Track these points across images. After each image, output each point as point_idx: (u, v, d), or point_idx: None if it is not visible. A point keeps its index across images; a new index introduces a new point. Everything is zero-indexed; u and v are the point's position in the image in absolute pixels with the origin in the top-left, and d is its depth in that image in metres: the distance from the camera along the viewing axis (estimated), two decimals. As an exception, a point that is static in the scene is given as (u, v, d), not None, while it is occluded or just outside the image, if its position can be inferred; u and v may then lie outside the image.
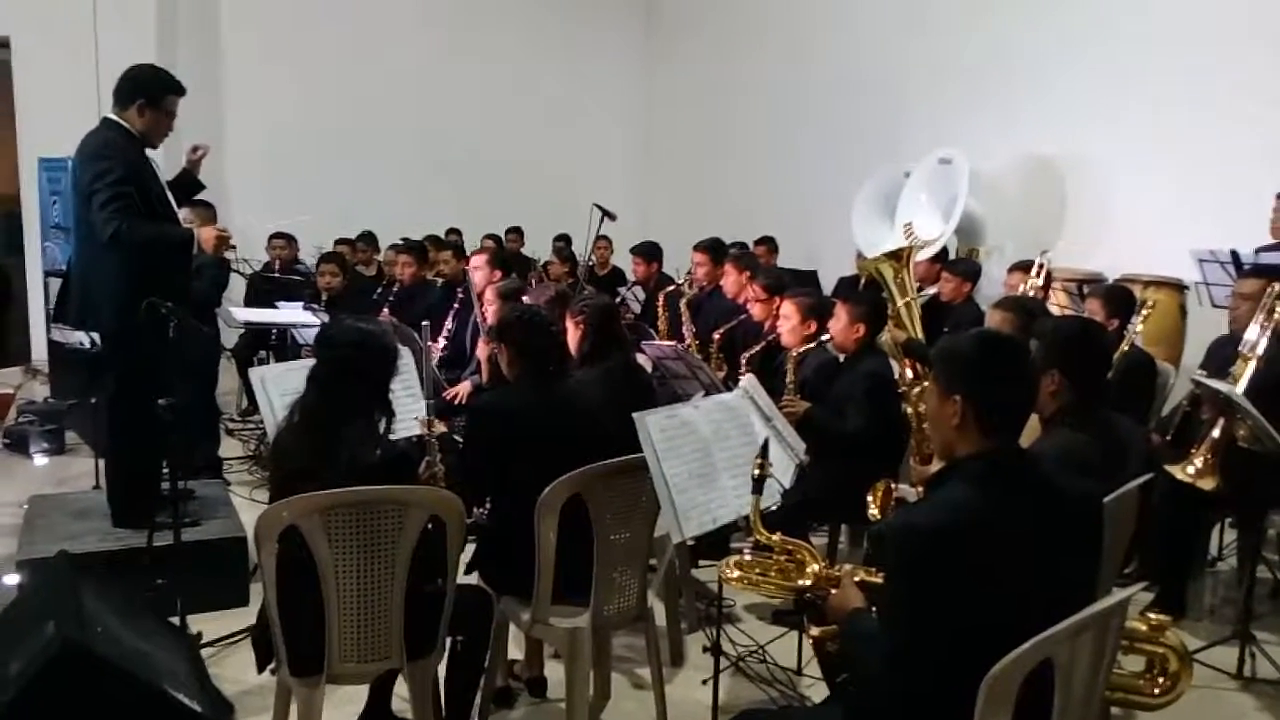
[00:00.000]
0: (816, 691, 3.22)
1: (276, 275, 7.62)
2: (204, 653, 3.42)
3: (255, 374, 3.50)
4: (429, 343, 3.56)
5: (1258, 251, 4.69)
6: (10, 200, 9.36)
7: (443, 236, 8.48)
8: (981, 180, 6.79)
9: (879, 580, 2.10)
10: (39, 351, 8.62)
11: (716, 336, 5.11)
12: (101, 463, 4.74)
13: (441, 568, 2.61)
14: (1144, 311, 4.38)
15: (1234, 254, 4.64)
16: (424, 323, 3.68)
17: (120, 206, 3.68)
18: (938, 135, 7.12)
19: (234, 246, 4.76)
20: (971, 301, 5.85)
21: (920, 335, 3.88)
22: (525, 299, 4.70)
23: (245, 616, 3.47)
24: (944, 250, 6.54)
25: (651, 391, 4.06)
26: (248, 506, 4.68)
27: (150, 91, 3.85)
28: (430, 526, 2.57)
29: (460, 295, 5.72)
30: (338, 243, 8.41)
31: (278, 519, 2.44)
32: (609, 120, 11.52)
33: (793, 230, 8.05)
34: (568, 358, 3.49)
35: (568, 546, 2.78)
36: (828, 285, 7.06)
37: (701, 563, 4.18)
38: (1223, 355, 4.09)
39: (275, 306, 6.16)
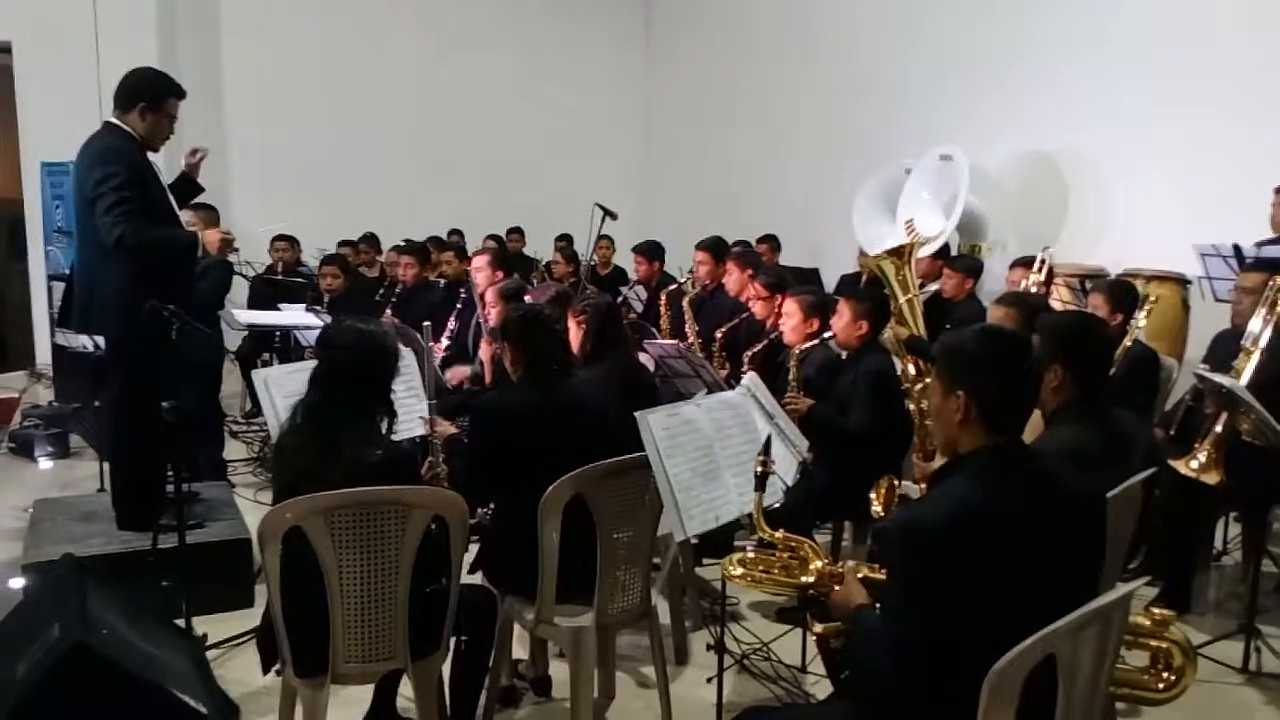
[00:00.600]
0: (821, 689, 3.22)
1: (279, 277, 7.64)
2: (209, 654, 3.42)
3: (258, 376, 3.52)
4: (431, 343, 3.57)
5: (1259, 245, 4.68)
6: (13, 204, 9.37)
7: (445, 237, 8.50)
8: (983, 176, 6.78)
9: (882, 577, 2.10)
10: (43, 355, 8.65)
11: (719, 335, 5.12)
12: (106, 466, 4.75)
13: (445, 568, 2.61)
14: (1147, 306, 4.38)
15: (1236, 248, 4.63)
16: (426, 323, 3.69)
17: (125, 211, 3.67)
18: (938, 132, 7.10)
19: (237, 249, 4.77)
20: (973, 298, 5.85)
21: (922, 332, 3.88)
22: (527, 299, 4.71)
23: (250, 618, 3.49)
24: (946, 247, 6.54)
25: (654, 390, 4.06)
26: (252, 508, 4.69)
27: (151, 95, 3.85)
28: (434, 527, 2.56)
29: (463, 296, 5.73)
30: (340, 244, 8.44)
31: (281, 520, 2.44)
32: (610, 119, 11.52)
33: (794, 228, 8.06)
34: (571, 357, 3.49)
35: (571, 546, 2.78)
36: (830, 283, 7.07)
37: (705, 561, 4.17)
38: (1225, 349, 4.08)
39: (278, 309, 6.17)
